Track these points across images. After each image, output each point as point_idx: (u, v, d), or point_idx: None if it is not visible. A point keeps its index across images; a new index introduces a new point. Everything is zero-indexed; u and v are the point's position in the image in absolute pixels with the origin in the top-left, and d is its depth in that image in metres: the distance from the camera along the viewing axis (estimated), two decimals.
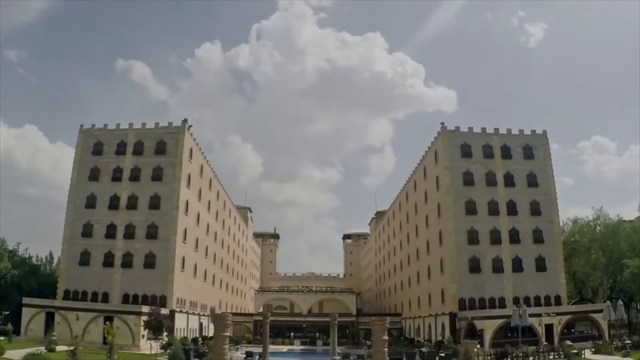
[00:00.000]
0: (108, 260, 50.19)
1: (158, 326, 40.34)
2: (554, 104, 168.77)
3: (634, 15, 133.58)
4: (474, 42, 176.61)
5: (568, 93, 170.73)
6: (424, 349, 39.93)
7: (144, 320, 41.24)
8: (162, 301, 47.90)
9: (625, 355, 31.52)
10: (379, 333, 18.71)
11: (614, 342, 37.59)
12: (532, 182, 52.55)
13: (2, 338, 38.26)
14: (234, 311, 73.87)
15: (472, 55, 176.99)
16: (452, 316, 47.80)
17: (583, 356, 32.06)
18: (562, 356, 32.58)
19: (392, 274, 76.85)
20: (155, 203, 51.65)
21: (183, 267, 52.71)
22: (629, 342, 35.92)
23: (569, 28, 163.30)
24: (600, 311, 42.92)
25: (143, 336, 41.47)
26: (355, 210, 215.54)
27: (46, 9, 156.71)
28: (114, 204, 51.87)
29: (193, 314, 55.73)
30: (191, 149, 56.37)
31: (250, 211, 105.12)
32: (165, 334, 41.76)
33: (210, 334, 51.75)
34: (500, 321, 43.94)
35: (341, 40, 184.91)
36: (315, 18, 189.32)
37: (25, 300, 46.75)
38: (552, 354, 34.92)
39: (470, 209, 51.06)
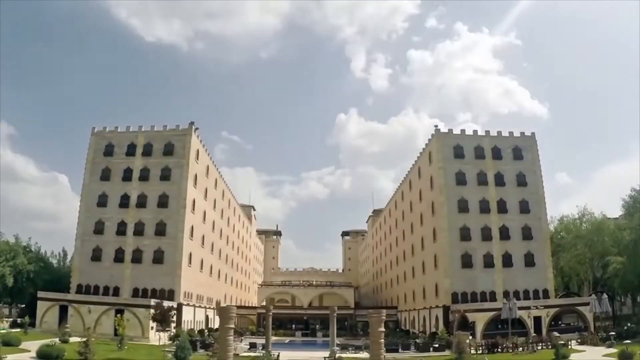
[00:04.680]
0: (119, 256, 50.31)
1: (163, 319, 40.33)
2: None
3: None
4: None
5: None
6: (418, 340, 40.00)
7: (150, 313, 41.27)
8: (170, 295, 47.99)
9: (609, 346, 31.64)
10: (376, 325, 18.73)
11: (599, 334, 37.66)
12: (521, 181, 52.59)
13: (18, 330, 38.39)
14: (238, 304, 73.92)
15: None
16: (446, 309, 47.85)
17: (570, 347, 32.10)
18: (550, 347, 32.64)
19: (389, 269, 76.86)
20: (163, 202, 51.74)
21: (190, 262, 52.74)
22: (613, 333, 36.05)
23: None
24: (587, 304, 43.08)
25: (152, 328, 41.49)
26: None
27: None
28: (124, 202, 51.93)
29: (199, 306, 55.74)
30: (197, 150, 56.36)
31: (254, 209, 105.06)
32: (173, 325, 41.80)
33: (216, 325, 51.71)
34: (491, 314, 44.00)
35: None
36: None
37: (40, 294, 46.75)
38: (541, 344, 35.02)
39: (463, 207, 51.11)
